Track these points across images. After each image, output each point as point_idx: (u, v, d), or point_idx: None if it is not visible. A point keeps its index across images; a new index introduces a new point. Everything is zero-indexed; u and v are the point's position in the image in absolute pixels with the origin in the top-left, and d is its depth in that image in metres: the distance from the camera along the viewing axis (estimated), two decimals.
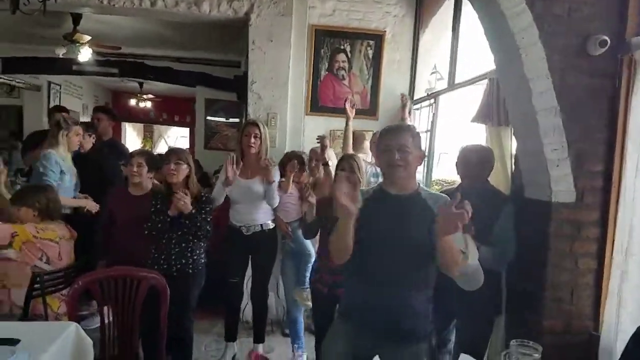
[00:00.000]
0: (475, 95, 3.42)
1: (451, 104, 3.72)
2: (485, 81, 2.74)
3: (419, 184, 1.90)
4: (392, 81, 4.34)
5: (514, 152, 2.50)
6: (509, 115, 2.36)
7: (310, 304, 2.98)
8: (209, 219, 2.85)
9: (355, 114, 4.30)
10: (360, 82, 4.36)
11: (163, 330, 2.42)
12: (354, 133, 4.27)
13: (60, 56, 5.77)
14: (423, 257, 1.75)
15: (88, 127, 3.87)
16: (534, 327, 2.17)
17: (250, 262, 3.28)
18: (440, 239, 1.64)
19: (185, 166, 2.82)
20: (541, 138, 2.08)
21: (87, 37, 5.51)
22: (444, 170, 3.96)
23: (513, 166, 2.51)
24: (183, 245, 2.82)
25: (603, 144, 2.14)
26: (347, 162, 2.66)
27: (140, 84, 10.68)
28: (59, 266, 2.56)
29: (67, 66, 7.42)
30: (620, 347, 1.91)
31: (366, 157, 3.65)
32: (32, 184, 2.87)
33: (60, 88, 9.19)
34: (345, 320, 1.91)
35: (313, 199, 2.63)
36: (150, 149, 14.83)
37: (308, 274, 3.14)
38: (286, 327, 3.79)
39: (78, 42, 5.53)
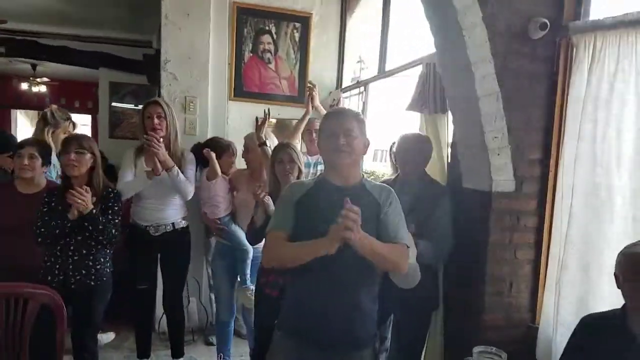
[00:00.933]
0: (406, 83, 3.37)
1: (382, 93, 3.62)
2: (419, 67, 2.65)
3: (362, 175, 1.74)
4: (320, 67, 4.17)
5: (450, 140, 2.43)
6: (448, 101, 2.27)
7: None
8: (116, 220, 2.46)
9: (284, 101, 4.13)
10: (288, 66, 4.13)
11: (60, 356, 2.03)
12: (282, 121, 4.07)
13: None
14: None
15: None
16: (474, 321, 2.11)
17: (159, 265, 2.92)
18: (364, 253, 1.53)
19: (88, 156, 2.41)
20: (482, 125, 2.01)
21: None
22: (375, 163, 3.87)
23: (449, 156, 2.43)
24: (83, 252, 2.41)
25: (541, 131, 2.11)
26: (285, 153, 2.44)
27: (34, 66, 9.57)
28: None
29: None
30: (560, 339, 1.89)
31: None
32: None
33: None
34: (288, 334, 1.70)
35: (269, 200, 2.34)
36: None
37: (247, 271, 2.86)
38: (210, 335, 3.49)
39: None
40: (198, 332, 3.62)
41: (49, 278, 2.38)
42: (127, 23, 5.95)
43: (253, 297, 2.73)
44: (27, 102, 11.61)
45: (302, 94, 4.11)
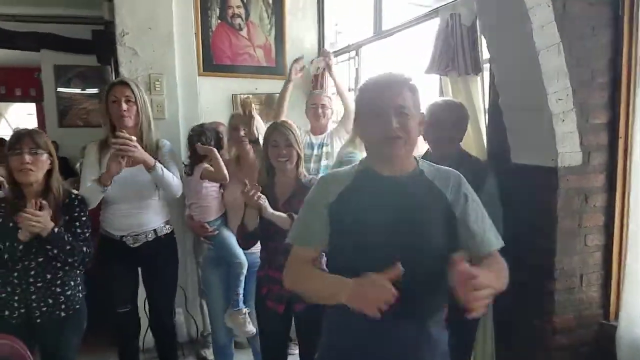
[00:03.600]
0: (408, 43, 2.95)
1: (377, 57, 3.18)
2: (429, 23, 2.23)
3: (416, 158, 1.32)
4: (299, 32, 3.66)
5: (485, 106, 2.03)
6: (490, 59, 1.85)
7: (251, 329, 2.29)
8: (87, 234, 1.97)
9: (260, 73, 3.62)
10: (262, 33, 3.60)
11: None
12: (270, 97, 3.58)
13: None
14: (440, 264, 1.17)
15: None
16: (540, 325, 1.75)
17: (141, 280, 2.41)
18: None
19: (45, 156, 1.88)
20: (543, 86, 1.61)
21: None
22: None
23: (487, 125, 2.04)
24: (48, 277, 1.90)
25: (606, 88, 1.73)
26: (279, 133, 1.97)
27: None
28: None
29: None
30: None
31: None
32: None
33: None
34: None
35: (264, 201, 1.86)
36: None
37: (241, 290, 2.37)
38: (203, 349, 3.05)
39: None
40: (188, 346, 3.17)
41: (6, 313, 1.88)
42: None
43: (247, 324, 2.32)
44: None
45: (280, 63, 3.62)
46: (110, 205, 2.26)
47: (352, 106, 3.09)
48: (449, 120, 1.85)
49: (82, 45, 6.15)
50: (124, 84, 2.26)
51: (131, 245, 2.27)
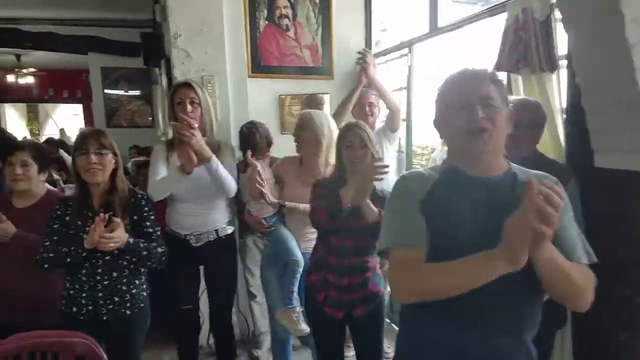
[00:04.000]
0: (461, 41, 2.84)
1: (431, 54, 3.07)
2: (502, 16, 2.12)
3: (507, 160, 1.23)
4: (346, 32, 3.60)
5: (563, 106, 1.91)
6: (571, 55, 1.73)
7: (305, 328, 2.24)
8: (158, 232, 1.99)
9: (307, 73, 3.58)
10: (309, 33, 3.55)
11: None
12: (314, 99, 3.55)
13: None
14: (534, 274, 1.08)
15: None
16: (629, 340, 1.62)
17: (204, 279, 2.45)
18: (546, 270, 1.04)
19: (110, 156, 1.92)
20: (638, 83, 1.48)
21: None
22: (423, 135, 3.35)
23: (564, 126, 1.92)
24: (114, 275, 1.93)
25: None
26: (355, 134, 1.94)
27: (18, 57, 8.90)
28: None
29: None
30: None
31: None
32: None
33: None
34: None
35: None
36: (37, 132, 12.85)
37: (295, 288, 2.34)
38: (255, 349, 3.05)
39: None
40: (240, 345, 3.17)
41: (74, 310, 1.92)
42: (118, 1, 5.33)
43: (300, 323, 2.26)
44: (14, 95, 11.01)
45: (326, 63, 3.58)
46: (177, 203, 2.30)
47: (397, 105, 3.03)
48: (525, 121, 1.74)
49: (128, 47, 6.29)
50: (189, 85, 2.28)
51: (194, 244, 2.31)
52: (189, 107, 2.23)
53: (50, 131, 13.36)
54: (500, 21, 2.16)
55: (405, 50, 3.12)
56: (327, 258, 1.99)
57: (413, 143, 3.30)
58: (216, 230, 2.35)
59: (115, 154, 1.95)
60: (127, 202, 1.96)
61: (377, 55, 3.45)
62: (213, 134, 2.35)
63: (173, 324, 2.48)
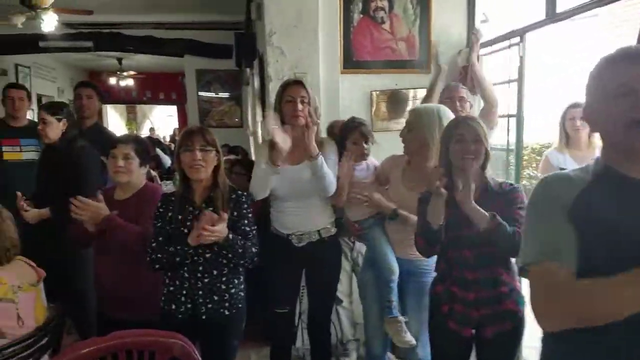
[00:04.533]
0: (585, 27, 2.53)
1: (545, 43, 2.79)
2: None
3: None
4: (447, 22, 3.39)
5: None
6: None
7: (410, 339, 2.08)
8: (254, 231, 1.96)
9: (401, 67, 3.43)
10: (405, 25, 3.39)
11: None
12: (397, 95, 3.40)
13: (20, 26, 4.70)
14: None
15: (55, 108, 2.86)
16: None
17: (305, 283, 2.37)
18: None
19: (213, 153, 1.92)
20: None
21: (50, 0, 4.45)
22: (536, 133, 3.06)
23: None
24: (214, 273, 1.92)
25: None
26: (468, 128, 1.74)
27: (119, 60, 9.61)
28: (21, 333, 1.65)
29: (33, 43, 6.38)
30: None
31: None
32: None
33: (29, 71, 8.10)
34: None
35: (470, 187, 1.67)
36: (135, 132, 13.78)
37: (393, 297, 2.19)
38: (342, 356, 2.94)
39: (39, 7, 4.47)
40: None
41: (173, 307, 1.93)
42: (213, 4, 5.51)
43: (405, 334, 2.10)
44: (116, 97, 11.90)
45: (424, 56, 3.39)
46: (279, 202, 2.26)
47: (496, 98, 2.78)
48: None
49: (221, 49, 6.50)
50: (300, 83, 2.24)
51: (296, 245, 2.24)
52: (300, 106, 2.18)
53: (146, 131, 14.30)
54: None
55: (516, 39, 2.86)
56: (450, 270, 1.84)
57: (525, 140, 3.02)
58: (319, 231, 2.26)
59: (217, 151, 1.95)
60: (227, 199, 1.95)
61: (483, 45, 3.21)
62: (319, 131, 2.30)
63: (267, 326, 2.44)
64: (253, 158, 5.82)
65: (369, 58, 3.41)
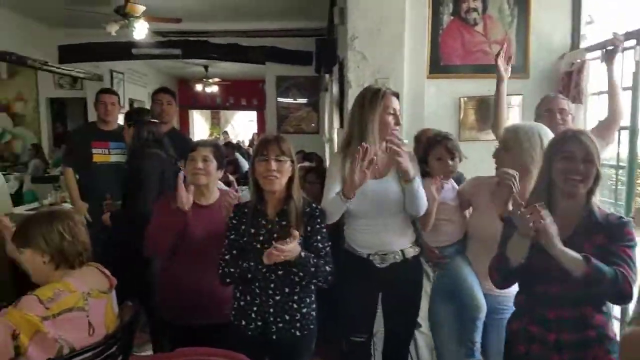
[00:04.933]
0: None
1: None
2: None
3: None
4: (547, 24, 3.07)
5: None
6: None
7: None
8: (327, 248, 1.82)
9: (493, 72, 3.11)
10: (501, 27, 3.11)
11: None
12: (485, 100, 3.11)
13: (114, 34, 4.95)
14: None
15: (128, 115, 2.91)
16: None
17: (381, 306, 2.15)
18: None
19: (289, 163, 1.81)
20: None
21: (142, 8, 4.64)
22: None
23: None
24: (286, 291, 1.80)
25: None
26: (579, 145, 1.48)
27: (206, 68, 9.99)
28: (89, 343, 1.61)
29: (127, 50, 6.77)
30: None
31: None
32: (42, 211, 1.85)
33: (123, 76, 8.60)
34: None
35: (554, 228, 1.41)
36: (219, 136, 14.29)
37: (477, 338, 1.94)
38: None
39: (131, 15, 4.68)
40: None
41: (244, 323, 1.83)
42: (296, 10, 5.51)
43: None
44: (201, 102, 12.44)
45: (520, 60, 3.09)
46: (357, 219, 2.04)
47: (623, 111, 2.41)
48: None
49: (301, 56, 6.52)
50: (396, 95, 2.05)
51: (378, 265, 2.01)
52: (390, 118, 2.00)
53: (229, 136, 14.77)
54: None
55: (631, 42, 2.48)
56: (529, 306, 1.58)
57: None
58: (402, 251, 2.03)
59: (292, 161, 1.83)
60: (301, 212, 1.83)
61: (587, 50, 2.85)
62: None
63: (341, 348, 2.25)
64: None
65: (458, 62, 3.16)
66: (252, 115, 13.30)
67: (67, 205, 4.27)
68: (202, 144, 2.18)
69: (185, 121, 13.11)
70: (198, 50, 7.02)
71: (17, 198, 5.23)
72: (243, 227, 1.84)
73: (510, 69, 2.52)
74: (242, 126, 14.94)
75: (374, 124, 1.96)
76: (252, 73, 8.99)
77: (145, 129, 2.72)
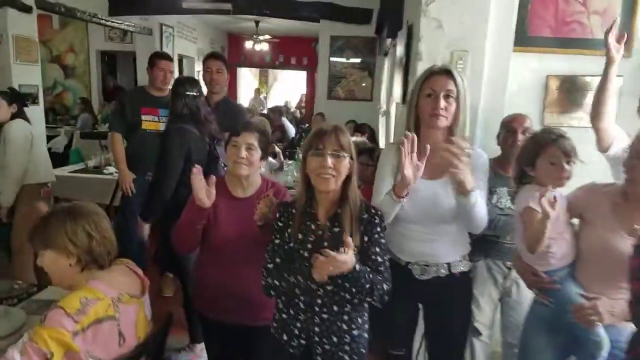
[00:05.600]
0: None
1: None
2: None
3: None
4: None
5: None
6: None
7: None
8: (386, 262, 1.54)
9: (590, 48, 2.65)
10: None
11: None
12: (571, 80, 2.65)
13: None
14: None
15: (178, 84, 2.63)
16: None
17: (423, 322, 1.90)
18: None
19: (347, 160, 1.51)
20: None
21: None
22: None
23: None
24: (334, 310, 1.53)
25: None
26: None
27: (257, 23, 9.60)
28: (120, 353, 1.41)
29: (177, 4, 6.48)
30: None
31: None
32: (65, 205, 1.55)
33: (173, 31, 8.38)
34: None
35: None
36: (266, 95, 14.04)
37: None
38: None
39: None
40: None
41: (285, 338, 1.59)
42: None
43: None
44: (250, 60, 12.15)
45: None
46: (400, 221, 1.74)
47: None
48: None
49: (360, 14, 6.04)
50: (448, 74, 1.68)
51: (417, 277, 1.77)
52: (442, 103, 1.65)
53: (274, 94, 14.51)
54: None
55: None
56: None
57: None
58: (448, 264, 1.75)
59: (352, 158, 1.53)
60: (358, 218, 1.53)
61: None
62: (465, 138, 1.71)
63: None
64: (381, 141, 5.34)
65: (548, 34, 2.68)
66: (302, 75, 12.89)
67: (111, 169, 4.17)
68: (248, 128, 1.88)
69: (233, 78, 12.91)
70: (249, 5, 6.65)
71: (63, 158, 5.17)
72: (289, 230, 1.57)
73: (622, 49, 2.05)
74: (290, 85, 14.57)
75: (415, 108, 1.73)
76: (305, 30, 8.55)
77: (181, 102, 2.46)
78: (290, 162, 4.48)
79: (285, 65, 12.48)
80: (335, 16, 6.29)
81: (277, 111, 7.09)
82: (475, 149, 1.79)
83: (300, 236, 1.55)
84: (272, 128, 5.86)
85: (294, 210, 1.59)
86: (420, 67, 2.44)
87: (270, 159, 4.26)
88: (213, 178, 1.76)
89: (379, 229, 1.55)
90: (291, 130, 7.23)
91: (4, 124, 2.79)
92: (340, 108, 6.66)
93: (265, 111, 8.89)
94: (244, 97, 13.13)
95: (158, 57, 3.14)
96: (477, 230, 1.70)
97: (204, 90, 2.87)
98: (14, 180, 2.72)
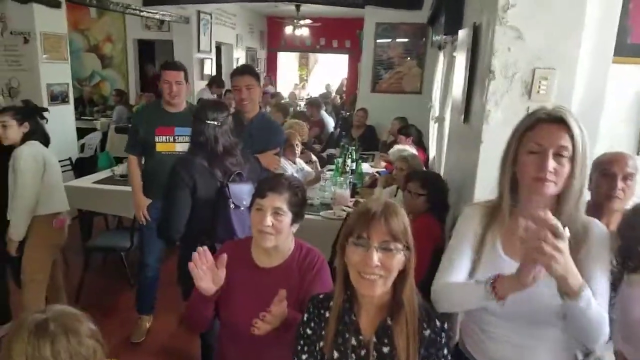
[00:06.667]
0: None
1: None
2: None
3: None
4: None
5: None
6: None
7: None
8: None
9: None
10: None
11: None
12: None
13: None
14: None
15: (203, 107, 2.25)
16: None
17: None
18: None
19: (402, 254, 1.11)
20: None
21: None
22: None
23: None
24: None
25: None
26: None
27: (298, 7, 9.11)
28: None
29: None
30: None
31: None
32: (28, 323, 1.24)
33: (211, 18, 8.04)
34: None
35: None
36: (306, 78, 13.57)
37: None
38: None
39: None
40: None
41: None
42: None
43: None
44: (290, 45, 11.73)
45: None
46: (483, 316, 1.31)
47: None
48: None
49: (407, 0, 5.47)
50: (561, 122, 1.18)
51: None
52: (552, 163, 1.18)
53: (315, 78, 14.01)
54: None
55: None
56: None
57: None
58: None
59: (408, 248, 1.09)
60: (415, 332, 1.11)
61: None
62: (578, 212, 1.24)
63: None
64: (430, 148, 4.69)
65: None
66: (343, 58, 12.33)
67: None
68: (275, 188, 1.48)
69: (273, 63, 12.52)
70: None
71: (91, 164, 4.94)
72: (321, 343, 1.17)
73: None
74: (331, 68, 14.00)
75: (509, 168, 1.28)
76: (346, 11, 8.00)
77: (198, 129, 2.10)
78: (328, 173, 4.03)
79: (327, 49, 11.96)
80: (381, 1, 5.73)
81: (316, 105, 6.61)
82: (591, 221, 1.30)
83: (335, 355, 1.15)
84: (310, 124, 5.43)
85: (327, 314, 1.19)
86: (492, 89, 1.97)
87: (305, 166, 3.86)
88: (224, 258, 1.41)
89: (445, 352, 1.13)
90: (330, 124, 6.77)
91: (15, 146, 2.51)
92: (385, 102, 6.15)
93: (303, 106, 8.40)
94: (284, 82, 12.72)
95: (163, 68, 2.75)
96: (594, 343, 1.22)
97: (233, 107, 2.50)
98: (24, 213, 2.46)
